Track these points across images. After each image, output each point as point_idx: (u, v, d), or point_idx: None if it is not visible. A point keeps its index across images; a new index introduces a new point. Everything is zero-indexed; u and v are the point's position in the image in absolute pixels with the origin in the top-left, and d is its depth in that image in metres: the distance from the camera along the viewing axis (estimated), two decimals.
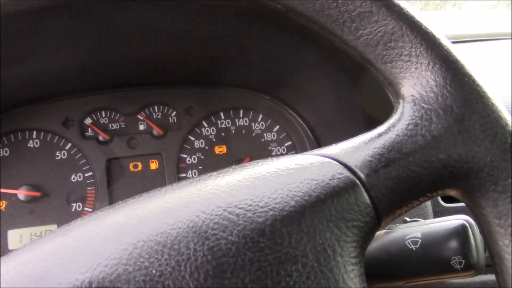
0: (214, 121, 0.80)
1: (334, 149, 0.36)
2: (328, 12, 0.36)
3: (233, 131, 0.79)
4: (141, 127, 0.78)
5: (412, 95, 0.35)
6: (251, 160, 0.78)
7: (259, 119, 0.80)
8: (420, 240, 0.47)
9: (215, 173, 0.35)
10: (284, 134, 0.80)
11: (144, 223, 0.31)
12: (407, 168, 0.34)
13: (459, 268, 0.45)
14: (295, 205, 0.32)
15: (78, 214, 0.74)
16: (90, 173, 0.76)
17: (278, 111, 0.80)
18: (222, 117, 0.80)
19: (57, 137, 0.76)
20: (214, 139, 0.79)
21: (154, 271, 0.29)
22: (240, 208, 0.31)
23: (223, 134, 0.79)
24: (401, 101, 0.36)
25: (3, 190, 0.73)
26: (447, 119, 0.34)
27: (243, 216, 0.31)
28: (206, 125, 0.79)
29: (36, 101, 0.76)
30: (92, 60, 0.69)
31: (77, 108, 0.77)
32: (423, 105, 0.35)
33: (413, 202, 0.36)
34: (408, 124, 0.35)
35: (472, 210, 0.36)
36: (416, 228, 0.48)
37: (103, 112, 0.78)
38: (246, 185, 0.33)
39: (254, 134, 0.80)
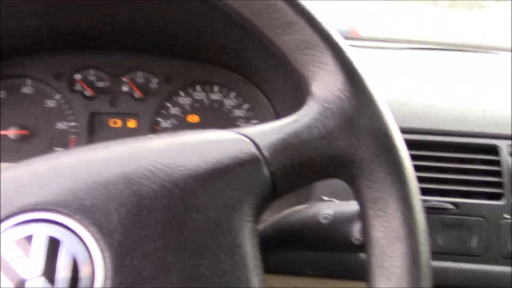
0: (191, 92, 0.88)
1: (251, 130, 0.44)
2: (261, 18, 0.44)
3: (206, 104, 0.88)
4: (124, 88, 0.87)
5: (317, 95, 0.44)
6: None
7: (231, 96, 0.89)
8: (330, 217, 0.55)
9: (156, 135, 0.44)
10: (252, 113, 0.89)
11: (88, 166, 0.40)
12: (301, 152, 0.42)
13: (357, 244, 0.54)
14: (207, 169, 0.41)
15: None
16: (74, 123, 0.85)
17: (249, 91, 0.88)
18: (198, 89, 0.88)
19: (49, 87, 0.85)
20: (188, 108, 0.88)
21: (87, 203, 0.38)
22: (163, 165, 0.40)
23: (197, 105, 0.88)
24: (309, 97, 0.44)
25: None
26: (339, 118, 0.42)
27: (164, 171, 0.40)
28: (182, 94, 0.88)
29: (34, 53, 0.85)
30: (83, 22, 0.78)
31: (69, 63, 0.86)
32: (324, 104, 0.43)
33: (305, 181, 0.44)
34: (309, 118, 0.43)
35: (354, 194, 0.44)
36: (330, 206, 0.57)
37: (92, 70, 0.87)
38: (173, 148, 0.42)
39: (225, 109, 0.88)
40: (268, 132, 0.44)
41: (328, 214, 0.56)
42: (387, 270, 0.41)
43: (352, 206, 0.57)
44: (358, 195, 0.44)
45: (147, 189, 0.39)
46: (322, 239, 0.55)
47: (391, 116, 0.44)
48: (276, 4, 0.44)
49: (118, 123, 0.87)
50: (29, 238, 0.36)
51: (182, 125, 0.87)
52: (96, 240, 0.37)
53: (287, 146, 0.42)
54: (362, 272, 0.54)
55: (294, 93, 0.80)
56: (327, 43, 0.44)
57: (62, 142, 0.85)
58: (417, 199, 0.42)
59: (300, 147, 0.42)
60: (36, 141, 0.84)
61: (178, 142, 0.43)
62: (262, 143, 0.43)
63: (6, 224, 0.37)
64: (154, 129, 0.87)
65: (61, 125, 0.85)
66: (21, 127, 0.83)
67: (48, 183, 0.39)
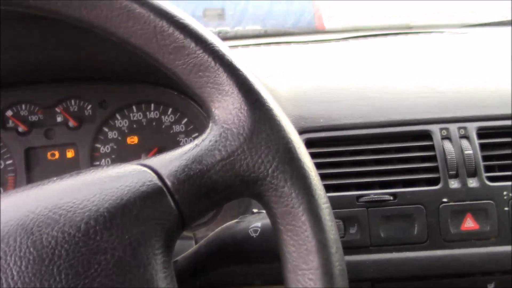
0: (127, 113, 0.87)
1: (154, 160, 0.44)
2: (151, 45, 0.44)
3: (144, 123, 0.87)
4: (58, 119, 0.86)
5: (216, 117, 0.43)
6: (158, 149, 0.86)
7: (169, 112, 0.88)
8: (259, 229, 0.55)
9: (55, 178, 0.43)
10: (192, 126, 0.88)
11: None
12: (205, 176, 0.42)
13: None
14: (108, 207, 0.40)
15: None
16: (11, 161, 0.84)
17: (186, 106, 0.88)
18: (135, 110, 0.88)
19: None
20: (126, 130, 0.87)
21: None
22: (63, 209, 0.39)
23: (135, 126, 0.87)
24: (210, 121, 0.44)
25: None
26: (239, 138, 0.42)
27: (64, 215, 0.39)
28: (119, 117, 0.87)
29: None
30: (9, 60, 0.76)
31: None
32: (223, 125, 0.43)
33: (213, 205, 0.44)
34: (210, 141, 0.43)
35: (265, 210, 0.44)
36: (258, 218, 0.57)
37: (23, 105, 0.86)
38: (73, 190, 0.41)
39: (164, 126, 0.88)
40: (170, 161, 0.43)
41: (257, 227, 0.56)
42: (302, 284, 0.41)
43: None
44: (267, 211, 0.44)
45: (47, 237, 0.38)
46: (253, 252, 0.55)
47: (292, 128, 0.44)
48: (164, 29, 0.43)
49: (56, 154, 0.86)
50: None
51: (121, 148, 0.87)
52: None
53: (189, 173, 0.42)
54: None
55: None
56: (220, 63, 0.43)
57: (0, 181, 0.83)
58: (324, 209, 0.42)
59: (203, 172, 0.42)
60: None
61: (78, 182, 0.42)
62: (164, 172, 0.42)
63: None
64: (93, 156, 0.86)
65: None
66: None
67: None
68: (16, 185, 0.83)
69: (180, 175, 0.42)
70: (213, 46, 0.44)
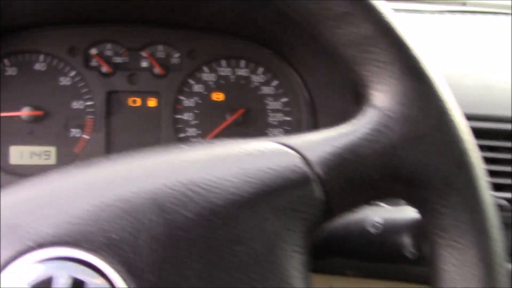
0: (215, 67, 0.81)
1: (298, 140, 0.38)
2: (309, 6, 0.37)
3: (232, 80, 0.81)
4: (144, 64, 0.80)
5: (376, 101, 0.37)
6: (245, 112, 0.80)
7: (259, 72, 0.82)
8: (380, 226, 0.49)
9: (184, 146, 0.38)
10: (282, 90, 0.82)
11: (110, 187, 0.34)
12: (361, 170, 0.36)
13: (411, 259, 0.48)
14: (251, 192, 0.35)
15: (76, 140, 0.79)
16: (91, 103, 0.79)
17: (278, 67, 0.81)
18: (224, 64, 0.81)
19: (62, 63, 0.79)
20: (212, 85, 0.81)
21: (115, 236, 0.32)
22: (200, 188, 0.34)
23: (222, 82, 0.81)
24: (367, 103, 0.38)
25: (4, 114, 0.77)
26: (409, 132, 0.36)
27: (201, 195, 0.34)
28: (206, 70, 0.81)
29: (45, 25, 0.78)
30: None
31: (84, 37, 0.79)
32: (389, 113, 0.36)
33: (364, 201, 0.38)
34: (371, 129, 0.36)
35: (421, 217, 0.38)
36: (379, 212, 0.51)
37: (108, 45, 0.80)
38: (208, 164, 0.36)
39: (252, 86, 0.81)
40: (318, 144, 0.37)
41: (378, 223, 0.50)
42: None
43: (403, 213, 0.51)
44: (425, 220, 0.38)
45: (183, 218, 0.33)
46: (371, 250, 0.50)
47: (467, 129, 0.37)
48: None
49: (138, 101, 0.80)
50: (48, 281, 0.31)
51: (206, 104, 0.81)
52: (125, 280, 0.31)
53: (343, 163, 0.36)
54: (404, 274, 0.47)
55: (340, 83, 0.73)
56: (391, 39, 0.36)
57: (78, 123, 0.79)
58: (497, 228, 0.36)
59: (358, 164, 0.36)
60: (51, 122, 0.78)
61: (212, 156, 0.36)
62: (313, 158, 0.36)
63: (19, 262, 0.31)
64: (176, 108, 0.80)
65: (76, 105, 0.79)
66: (35, 107, 0.77)
67: (66, 209, 0.33)
68: (94, 128, 0.79)
69: (332, 164, 0.36)
70: (385, 18, 0.36)
